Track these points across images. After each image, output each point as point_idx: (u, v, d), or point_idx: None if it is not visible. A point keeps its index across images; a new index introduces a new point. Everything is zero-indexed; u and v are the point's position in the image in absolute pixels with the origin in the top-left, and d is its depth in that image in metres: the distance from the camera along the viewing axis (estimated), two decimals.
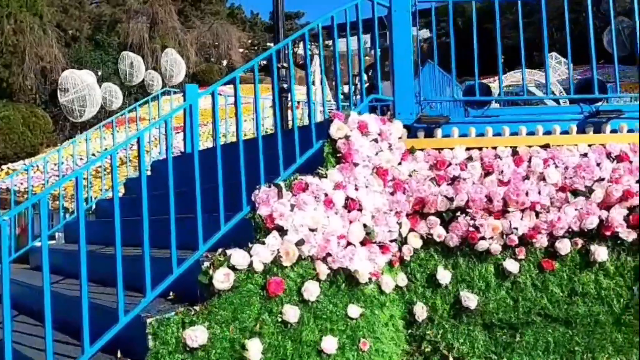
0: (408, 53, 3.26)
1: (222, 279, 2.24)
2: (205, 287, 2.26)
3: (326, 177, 2.76)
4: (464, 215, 3.11)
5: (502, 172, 3.13)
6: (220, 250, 2.40)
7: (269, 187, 2.63)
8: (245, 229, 2.55)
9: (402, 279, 3.09)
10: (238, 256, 2.35)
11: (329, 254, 2.64)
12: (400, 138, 3.17)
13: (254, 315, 2.34)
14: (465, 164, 3.16)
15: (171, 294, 2.41)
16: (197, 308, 2.20)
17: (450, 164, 3.16)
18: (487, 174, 3.15)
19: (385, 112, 3.57)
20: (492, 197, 3.09)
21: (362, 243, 2.83)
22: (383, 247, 2.93)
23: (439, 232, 3.12)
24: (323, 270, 2.62)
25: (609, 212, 3.13)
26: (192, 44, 26.93)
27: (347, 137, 2.85)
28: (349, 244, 2.73)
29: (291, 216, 2.53)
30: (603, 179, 3.13)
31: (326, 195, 2.69)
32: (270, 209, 2.54)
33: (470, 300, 3.09)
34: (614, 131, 3.34)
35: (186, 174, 2.65)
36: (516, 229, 3.08)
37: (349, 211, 2.78)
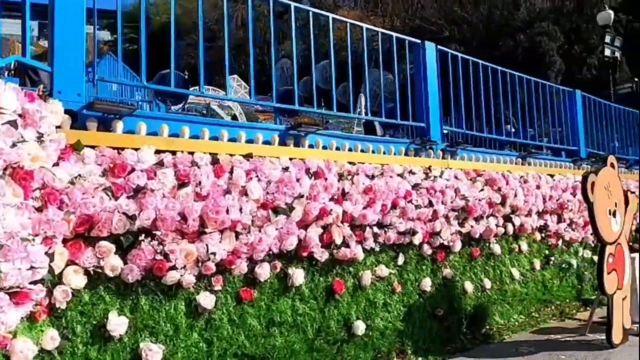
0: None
1: None
2: None
3: None
4: (149, 239, 2.33)
5: (200, 183, 2.51)
6: None
7: None
8: None
9: (51, 339, 2.05)
10: None
11: None
12: (59, 127, 2.14)
13: None
14: (155, 171, 2.40)
15: None
16: None
17: (133, 170, 2.33)
18: (182, 185, 2.47)
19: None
20: (187, 215, 2.43)
21: None
22: (19, 295, 1.84)
23: (113, 264, 2.24)
24: None
25: (306, 231, 2.93)
26: None
27: None
28: None
29: None
30: (302, 196, 2.91)
31: None
32: None
33: (153, 353, 2.31)
34: (311, 146, 3.22)
35: None
36: (214, 254, 2.50)
37: None
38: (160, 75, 3.28)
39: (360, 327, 3.13)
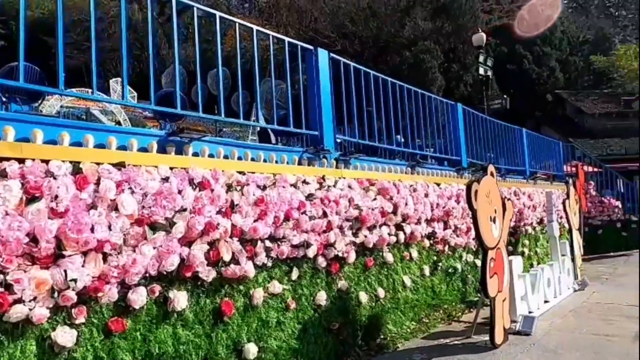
0: None
1: None
2: None
3: None
4: None
5: (56, 197, 2.11)
6: None
7: None
8: None
9: None
10: None
11: None
12: None
13: None
14: None
15: None
16: None
17: None
18: (32, 199, 2.05)
19: None
20: (38, 236, 2.02)
21: None
22: None
23: None
24: None
25: (190, 248, 2.63)
26: None
27: None
28: None
29: None
30: (185, 209, 2.61)
31: None
32: None
33: None
34: (195, 154, 2.92)
35: None
36: (74, 280, 2.11)
37: None
38: (8, 69, 2.73)
39: (251, 350, 2.89)
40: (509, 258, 4.50)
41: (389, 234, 4.25)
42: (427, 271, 4.83)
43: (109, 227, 2.26)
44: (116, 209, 2.31)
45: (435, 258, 5.05)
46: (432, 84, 22.08)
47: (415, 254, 4.68)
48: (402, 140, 5.30)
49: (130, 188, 2.40)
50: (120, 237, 2.29)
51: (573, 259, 6.42)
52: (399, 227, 4.41)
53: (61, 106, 13.43)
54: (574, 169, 10.06)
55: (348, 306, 3.79)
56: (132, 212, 2.36)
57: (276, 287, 3.15)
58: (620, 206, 10.33)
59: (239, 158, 3.17)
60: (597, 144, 26.00)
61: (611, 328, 4.30)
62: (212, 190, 2.78)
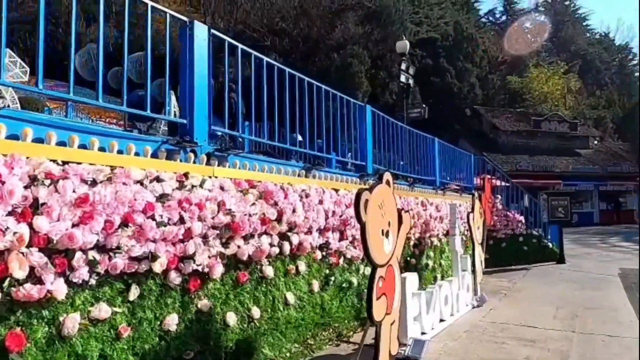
0: None
1: None
2: None
3: None
4: None
5: None
6: None
7: None
8: None
9: None
10: None
11: None
12: None
13: None
14: None
15: None
16: None
17: None
18: None
19: None
20: None
21: None
22: None
23: None
24: None
25: None
26: None
27: None
28: None
29: None
30: None
31: None
32: None
33: None
34: None
35: None
36: None
37: None
38: None
39: None
40: (403, 275, 4.12)
41: (271, 245, 3.68)
42: (316, 286, 4.33)
43: None
44: None
45: (327, 272, 4.56)
46: (359, 88, 22.07)
47: (303, 268, 4.15)
48: (301, 139, 4.78)
49: None
50: None
51: (474, 273, 6.25)
52: (284, 236, 3.87)
53: None
54: (482, 182, 10.16)
55: (210, 330, 3.18)
56: None
57: (102, 310, 2.47)
58: (523, 221, 10.58)
59: (62, 144, 2.45)
60: (508, 159, 27.44)
61: (502, 354, 4.04)
62: (2, 183, 2.05)
